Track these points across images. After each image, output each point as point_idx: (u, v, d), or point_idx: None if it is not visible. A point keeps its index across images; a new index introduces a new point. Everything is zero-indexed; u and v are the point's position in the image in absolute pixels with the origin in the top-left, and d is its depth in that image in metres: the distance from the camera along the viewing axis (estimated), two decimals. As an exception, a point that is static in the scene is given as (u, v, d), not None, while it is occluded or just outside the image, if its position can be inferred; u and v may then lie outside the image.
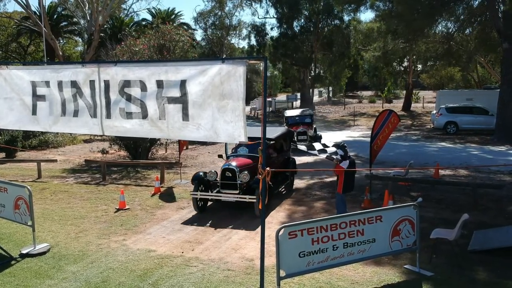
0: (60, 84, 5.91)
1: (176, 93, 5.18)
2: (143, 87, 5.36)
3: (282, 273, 5.71)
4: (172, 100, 5.23)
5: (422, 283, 6.32)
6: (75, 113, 5.91)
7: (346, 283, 6.35)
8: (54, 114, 6.08)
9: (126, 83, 5.46)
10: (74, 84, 5.81)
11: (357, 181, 11.98)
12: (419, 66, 40.37)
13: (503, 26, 20.89)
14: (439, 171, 13.47)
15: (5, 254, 7.58)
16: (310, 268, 5.94)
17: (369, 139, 11.07)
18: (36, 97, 6.18)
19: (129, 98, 5.47)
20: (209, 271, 6.76)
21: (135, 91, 5.43)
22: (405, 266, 6.90)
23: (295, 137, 18.41)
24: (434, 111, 27.43)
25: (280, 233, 5.64)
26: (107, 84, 5.58)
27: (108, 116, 5.65)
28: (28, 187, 7.57)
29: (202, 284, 6.35)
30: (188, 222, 9.41)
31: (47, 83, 6.03)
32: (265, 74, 4.99)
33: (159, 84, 5.26)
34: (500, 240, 7.48)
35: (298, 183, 12.73)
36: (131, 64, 5.86)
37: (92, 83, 5.67)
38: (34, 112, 6.26)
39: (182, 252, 7.57)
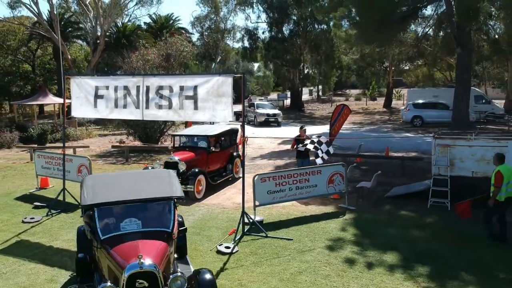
0: (116, 88, 9.49)
1: (190, 93, 8.74)
2: (171, 90, 8.93)
3: (257, 203, 9.34)
4: (188, 98, 8.79)
5: (346, 212, 9.98)
6: (124, 106, 9.46)
7: (298, 212, 10.01)
8: (109, 107, 9.65)
9: (160, 87, 9.04)
10: (126, 88, 9.38)
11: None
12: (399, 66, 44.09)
13: (457, 34, 24.57)
14: (391, 153, 17.09)
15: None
16: (274, 201, 9.62)
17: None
18: (97, 96, 9.76)
19: (161, 96, 9.04)
20: (211, 209, 10.41)
21: (165, 92, 8.99)
22: (339, 204, 10.54)
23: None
24: (403, 107, 31.10)
25: (255, 178, 9.29)
26: (147, 88, 9.15)
27: (147, 107, 9.21)
28: (88, 157, 11.14)
29: (207, 215, 9.98)
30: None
31: (107, 87, 9.61)
32: (244, 86, 8.61)
33: (181, 87, 8.84)
34: (405, 190, 11.19)
35: (268, 164, 16.33)
36: (164, 76, 9.47)
37: (138, 87, 9.25)
38: (95, 105, 9.84)
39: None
